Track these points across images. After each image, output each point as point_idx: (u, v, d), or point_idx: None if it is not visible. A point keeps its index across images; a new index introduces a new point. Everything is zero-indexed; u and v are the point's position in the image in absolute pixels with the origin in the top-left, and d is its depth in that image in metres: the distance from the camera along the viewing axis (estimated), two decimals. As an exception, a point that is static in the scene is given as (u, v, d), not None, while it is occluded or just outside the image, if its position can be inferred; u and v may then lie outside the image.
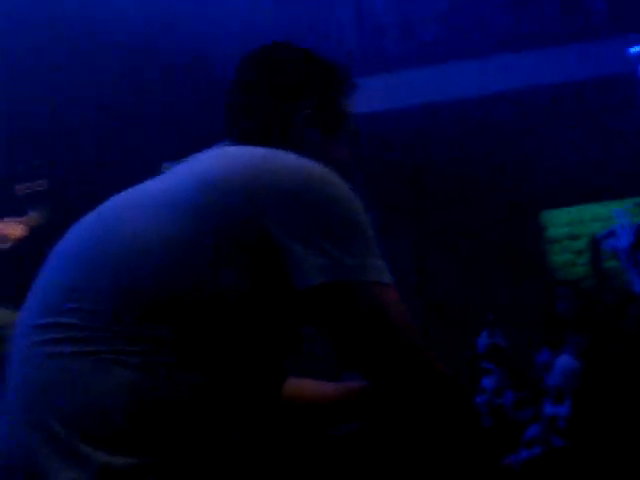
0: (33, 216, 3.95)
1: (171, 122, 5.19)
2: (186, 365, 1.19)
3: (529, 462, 3.06)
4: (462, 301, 6.12)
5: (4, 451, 1.21)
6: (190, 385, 1.18)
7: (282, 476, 1.28)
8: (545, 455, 2.94)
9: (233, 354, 1.22)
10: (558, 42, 5.56)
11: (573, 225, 6.40)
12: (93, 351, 1.18)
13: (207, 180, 1.25)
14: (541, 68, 5.70)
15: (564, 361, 3.73)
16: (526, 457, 3.20)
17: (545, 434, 3.18)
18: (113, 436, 1.14)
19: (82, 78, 5.08)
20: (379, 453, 1.26)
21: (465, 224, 6.42)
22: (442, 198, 6.41)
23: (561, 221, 6.55)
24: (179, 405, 1.17)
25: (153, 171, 1.44)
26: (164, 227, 1.21)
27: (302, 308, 1.25)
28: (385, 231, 5.13)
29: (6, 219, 3.80)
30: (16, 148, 4.85)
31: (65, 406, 1.16)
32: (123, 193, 1.36)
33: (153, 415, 1.16)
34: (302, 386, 1.60)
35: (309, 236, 1.21)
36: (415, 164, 6.25)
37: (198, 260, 1.20)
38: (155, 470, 1.15)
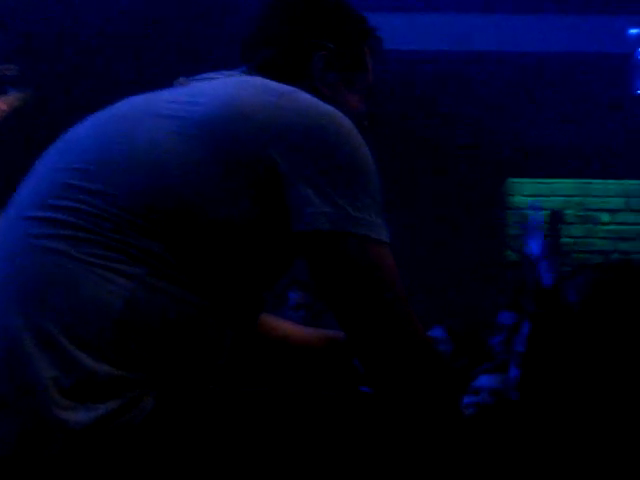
0: (15, 95, 3.72)
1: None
2: (184, 282, 1.22)
3: (481, 410, 3.10)
4: (420, 261, 6.11)
5: None
6: (185, 302, 1.22)
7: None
8: (498, 405, 2.98)
9: (228, 277, 1.26)
10: (556, 10, 5.46)
11: (537, 197, 6.42)
12: (95, 254, 1.18)
13: (227, 106, 1.26)
14: (532, 34, 5.61)
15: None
16: (469, 402, 3.23)
17: (505, 390, 3.23)
18: (103, 343, 1.15)
19: None
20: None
21: (429, 182, 6.38)
22: (403, 151, 6.32)
23: (526, 191, 6.59)
24: (172, 321, 1.20)
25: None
26: (180, 144, 1.23)
27: (297, 247, 1.26)
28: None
29: None
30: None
31: (59, 305, 1.16)
32: (141, 97, 1.36)
33: (145, 328, 1.17)
34: (281, 323, 1.66)
35: (317, 180, 1.21)
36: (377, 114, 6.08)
37: (207, 183, 1.23)
38: (140, 385, 1.15)
